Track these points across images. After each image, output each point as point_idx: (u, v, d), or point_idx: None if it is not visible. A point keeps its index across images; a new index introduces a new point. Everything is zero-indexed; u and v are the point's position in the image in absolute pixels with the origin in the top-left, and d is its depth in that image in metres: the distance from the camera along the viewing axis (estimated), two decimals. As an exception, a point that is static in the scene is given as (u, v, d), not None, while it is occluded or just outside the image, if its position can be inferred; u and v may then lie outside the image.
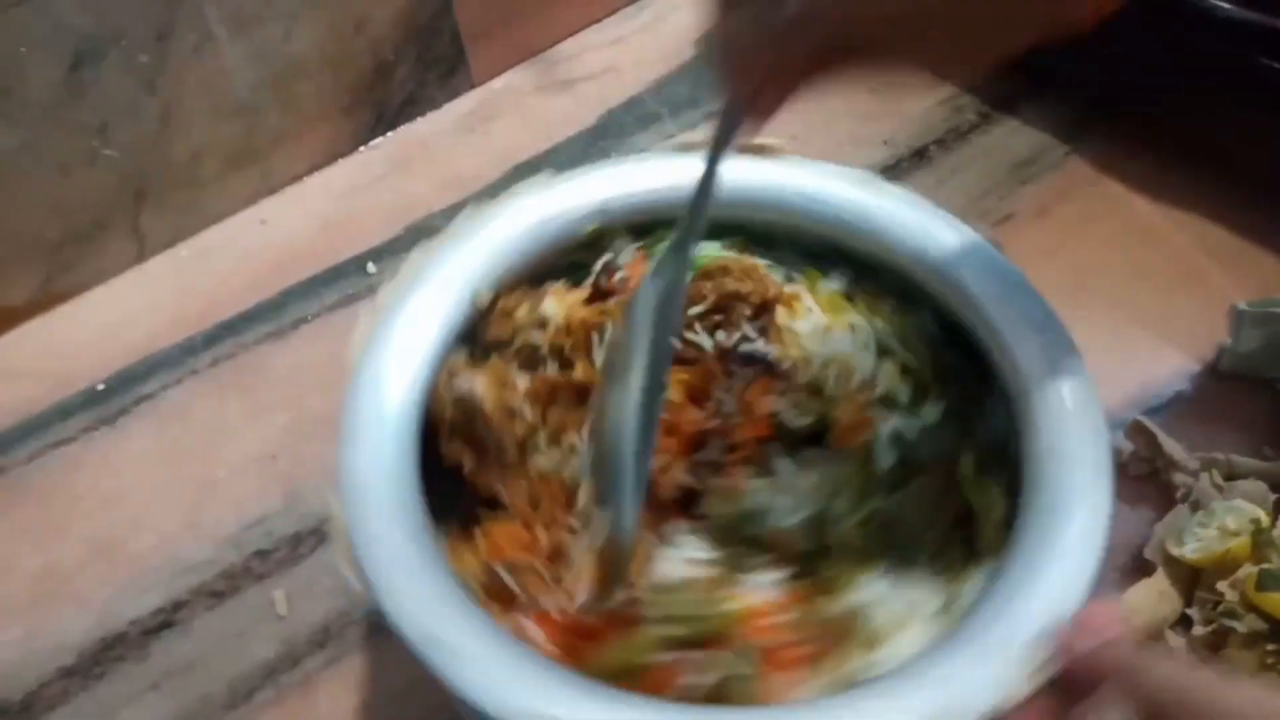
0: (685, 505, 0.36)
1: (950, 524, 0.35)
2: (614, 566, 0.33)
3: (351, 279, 0.57)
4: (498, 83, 0.68)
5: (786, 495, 0.35)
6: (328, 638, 0.44)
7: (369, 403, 0.36)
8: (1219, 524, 0.41)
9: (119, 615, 0.45)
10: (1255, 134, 0.52)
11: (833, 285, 0.41)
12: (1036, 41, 0.27)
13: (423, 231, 0.59)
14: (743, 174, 0.41)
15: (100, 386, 0.53)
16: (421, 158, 0.64)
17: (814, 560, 0.35)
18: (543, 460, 0.36)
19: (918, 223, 0.40)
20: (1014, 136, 0.60)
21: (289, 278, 0.57)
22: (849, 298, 0.40)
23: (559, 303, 0.40)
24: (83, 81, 0.52)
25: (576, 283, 0.41)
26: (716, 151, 0.32)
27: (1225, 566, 0.40)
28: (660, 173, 0.42)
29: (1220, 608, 0.39)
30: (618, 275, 0.41)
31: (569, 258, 0.42)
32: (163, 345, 0.55)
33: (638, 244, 0.42)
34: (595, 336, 0.39)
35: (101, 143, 0.54)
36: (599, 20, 0.71)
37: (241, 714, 0.42)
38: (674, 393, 0.37)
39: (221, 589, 0.45)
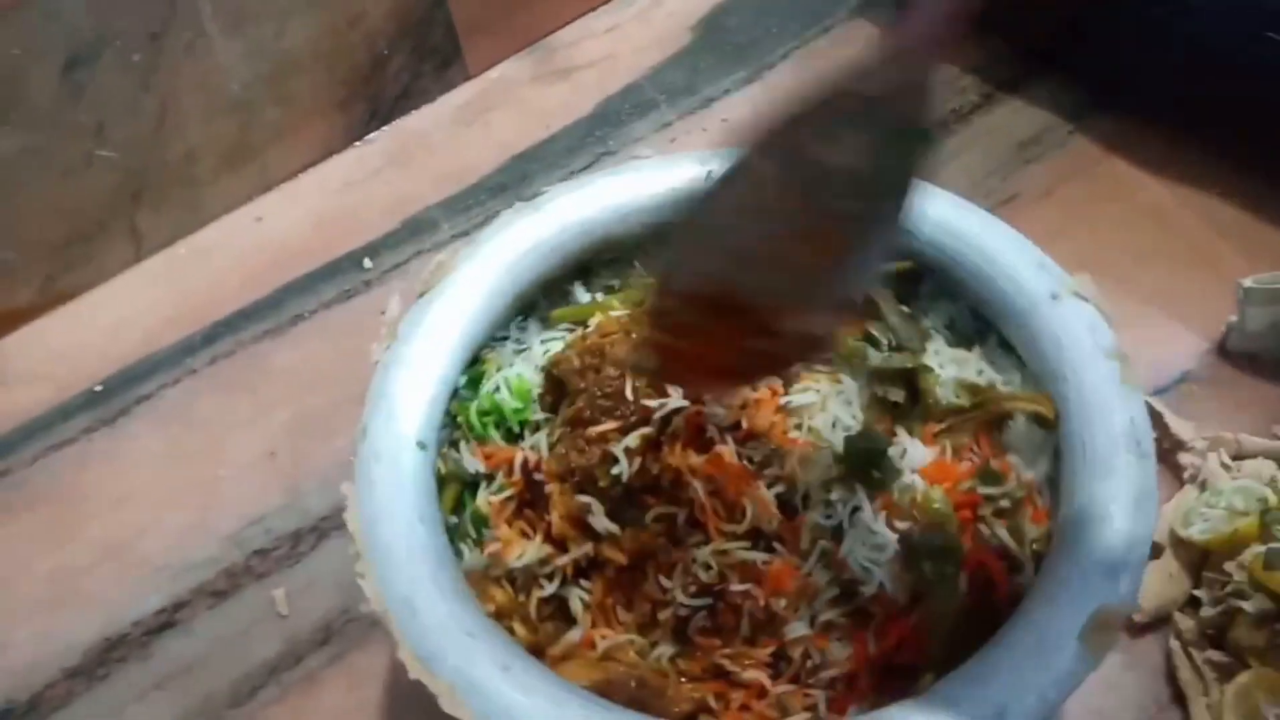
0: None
1: None
2: None
3: (349, 275, 0.57)
4: (494, 73, 0.67)
5: None
6: (329, 635, 0.44)
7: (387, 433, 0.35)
8: (1227, 504, 0.40)
9: (122, 616, 0.45)
10: (1263, 111, 0.51)
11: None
12: None
13: (421, 225, 0.59)
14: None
15: (99, 387, 0.53)
16: (418, 151, 0.63)
17: None
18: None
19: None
20: (1017, 116, 0.59)
21: (286, 275, 0.57)
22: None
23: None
24: (78, 83, 0.52)
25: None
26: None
27: (1233, 547, 0.39)
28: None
29: (1228, 588, 0.38)
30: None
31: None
32: (161, 345, 0.55)
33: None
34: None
35: (98, 143, 0.54)
36: (595, 8, 0.70)
37: (245, 712, 0.42)
38: None
39: (223, 588, 0.45)
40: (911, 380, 0.37)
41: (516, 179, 0.61)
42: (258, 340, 0.55)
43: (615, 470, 0.34)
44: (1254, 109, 0.52)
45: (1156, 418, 0.45)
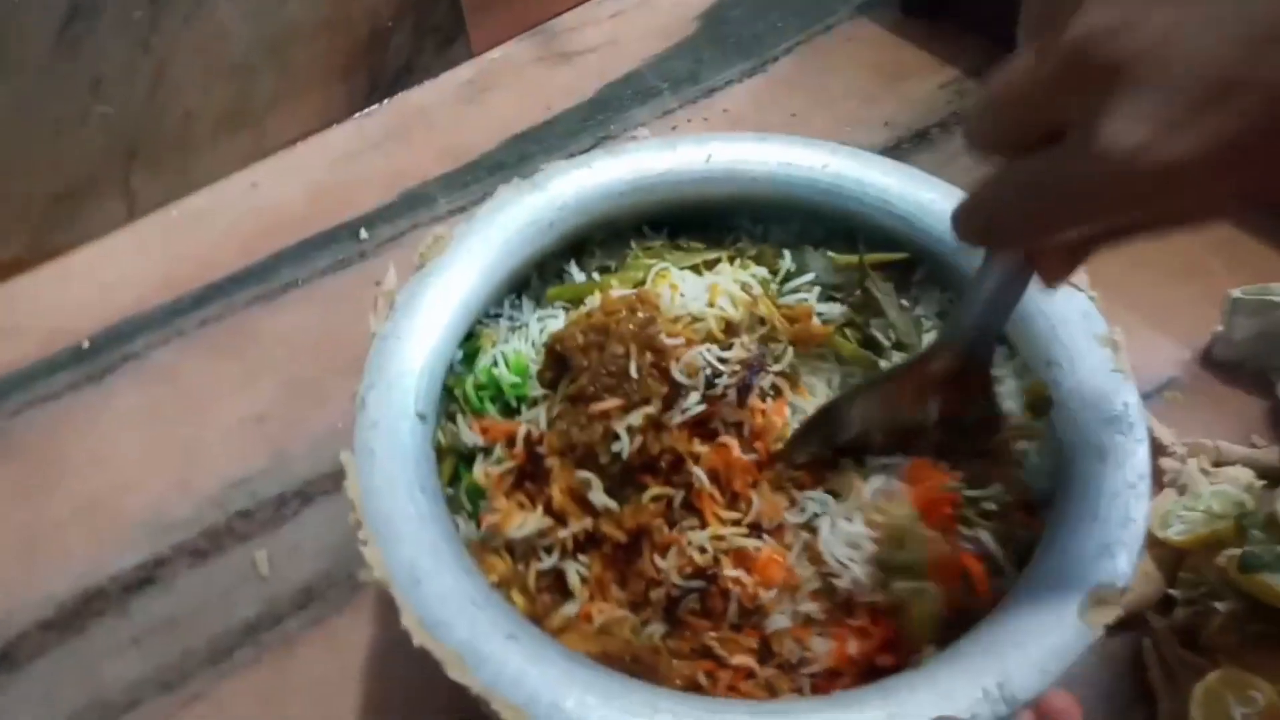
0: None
1: None
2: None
3: (344, 244, 0.57)
4: (496, 53, 0.67)
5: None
6: (310, 598, 0.44)
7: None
8: (1205, 508, 0.41)
9: (100, 571, 0.45)
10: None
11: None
12: None
13: (417, 199, 0.59)
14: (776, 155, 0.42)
15: (85, 344, 0.53)
16: (417, 126, 0.63)
17: None
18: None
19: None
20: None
21: (280, 242, 0.57)
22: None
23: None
24: (76, 38, 0.51)
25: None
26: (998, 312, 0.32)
27: (1210, 549, 0.40)
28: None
29: (1203, 589, 0.39)
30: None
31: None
32: (151, 306, 0.54)
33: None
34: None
35: (94, 100, 0.53)
36: (600, -6, 0.70)
37: (222, 671, 0.42)
38: None
39: (204, 548, 0.45)
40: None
41: (515, 159, 0.61)
42: (249, 305, 0.54)
43: (616, 447, 0.34)
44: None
45: (1139, 422, 0.45)
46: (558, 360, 0.37)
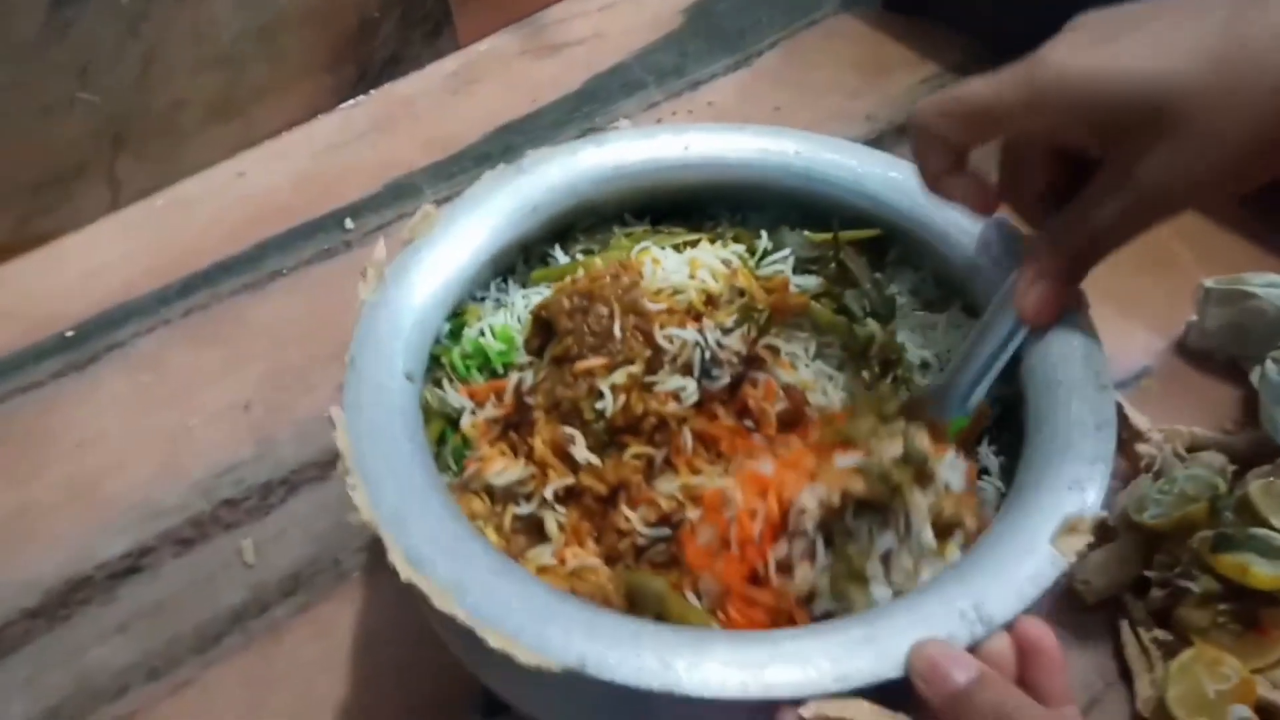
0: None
1: None
2: None
3: (329, 234, 0.57)
4: (483, 44, 0.67)
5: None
6: (296, 585, 0.44)
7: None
8: (1179, 491, 0.42)
9: (86, 558, 0.44)
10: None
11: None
12: None
13: (404, 190, 0.59)
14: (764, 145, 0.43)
15: (70, 332, 0.52)
16: (404, 116, 0.63)
17: None
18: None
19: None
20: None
21: (266, 230, 0.57)
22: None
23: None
24: (65, 21, 0.51)
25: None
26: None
27: (1183, 531, 0.40)
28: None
29: (1177, 570, 0.40)
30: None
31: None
32: (136, 294, 0.54)
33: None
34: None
35: (81, 85, 0.53)
36: (587, -13, 0.71)
37: (209, 658, 0.42)
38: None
39: (190, 536, 0.45)
40: (886, 357, 0.39)
41: (501, 150, 0.61)
42: (235, 294, 0.54)
43: (600, 405, 0.34)
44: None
45: (1117, 410, 0.46)
46: (544, 327, 0.37)
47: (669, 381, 0.35)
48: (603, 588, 0.32)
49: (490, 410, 0.36)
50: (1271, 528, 0.39)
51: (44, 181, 0.55)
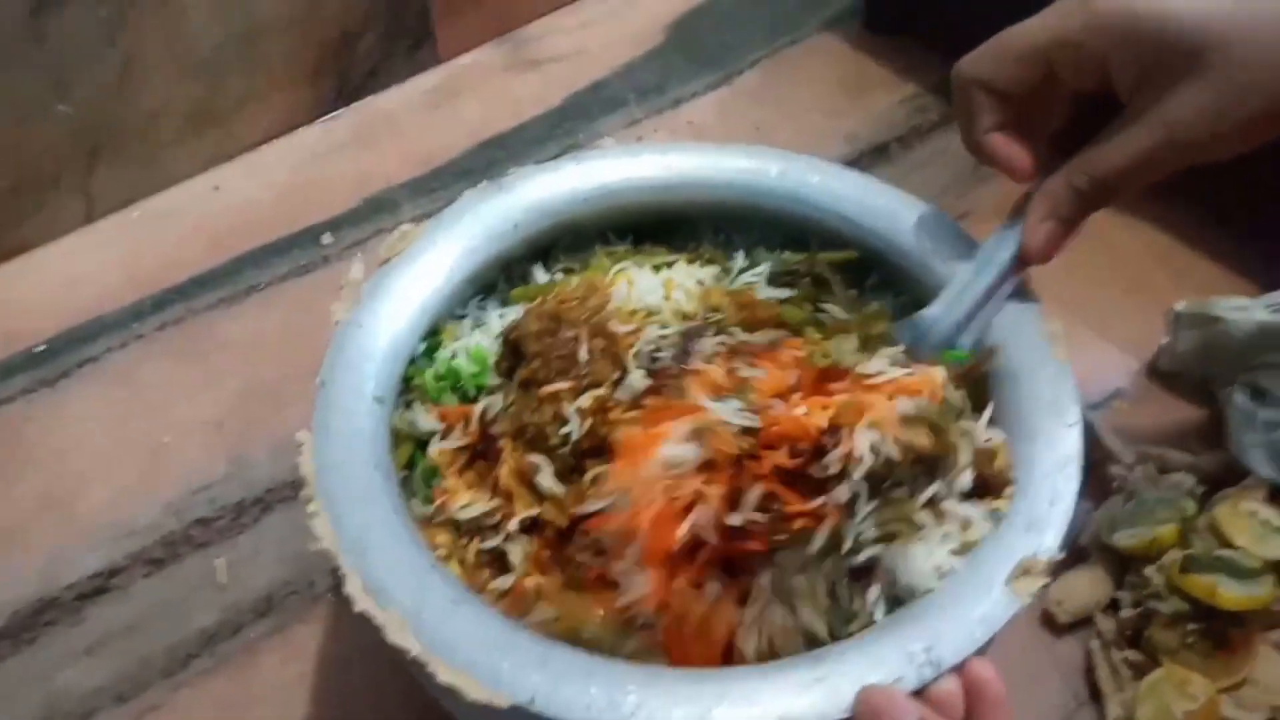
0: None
1: None
2: None
3: (307, 249, 0.57)
4: (465, 59, 0.67)
5: None
6: (270, 607, 0.43)
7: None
8: (1150, 513, 0.42)
9: (54, 580, 0.44)
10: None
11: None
12: None
13: (383, 204, 0.59)
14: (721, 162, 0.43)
15: (41, 347, 0.52)
16: (384, 130, 0.63)
17: None
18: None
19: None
20: (972, 137, 0.62)
21: (243, 245, 0.56)
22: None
23: None
24: (42, 28, 0.50)
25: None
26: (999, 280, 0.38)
27: (1154, 552, 0.41)
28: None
29: (1147, 591, 0.40)
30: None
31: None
32: (110, 308, 0.53)
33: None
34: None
35: (57, 95, 0.53)
36: (569, 3, 0.71)
37: (180, 680, 0.41)
38: None
39: (161, 556, 0.45)
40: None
41: (482, 165, 0.61)
42: (210, 309, 0.54)
43: (565, 430, 0.34)
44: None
45: (1089, 431, 0.47)
46: (513, 350, 0.37)
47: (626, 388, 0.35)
48: (566, 618, 0.32)
49: (457, 438, 0.36)
50: (1239, 549, 0.40)
51: (15, 193, 0.54)
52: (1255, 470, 0.43)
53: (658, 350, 0.36)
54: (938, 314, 0.38)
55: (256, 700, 0.41)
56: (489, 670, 0.28)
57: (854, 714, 0.28)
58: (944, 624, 0.29)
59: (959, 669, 0.29)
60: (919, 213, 0.41)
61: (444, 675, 0.28)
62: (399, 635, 0.29)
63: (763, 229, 0.43)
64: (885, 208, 0.41)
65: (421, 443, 0.37)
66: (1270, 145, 0.32)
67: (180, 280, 0.55)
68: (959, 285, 0.38)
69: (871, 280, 0.43)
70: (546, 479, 0.34)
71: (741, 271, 0.42)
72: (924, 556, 0.31)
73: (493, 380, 0.38)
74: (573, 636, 0.31)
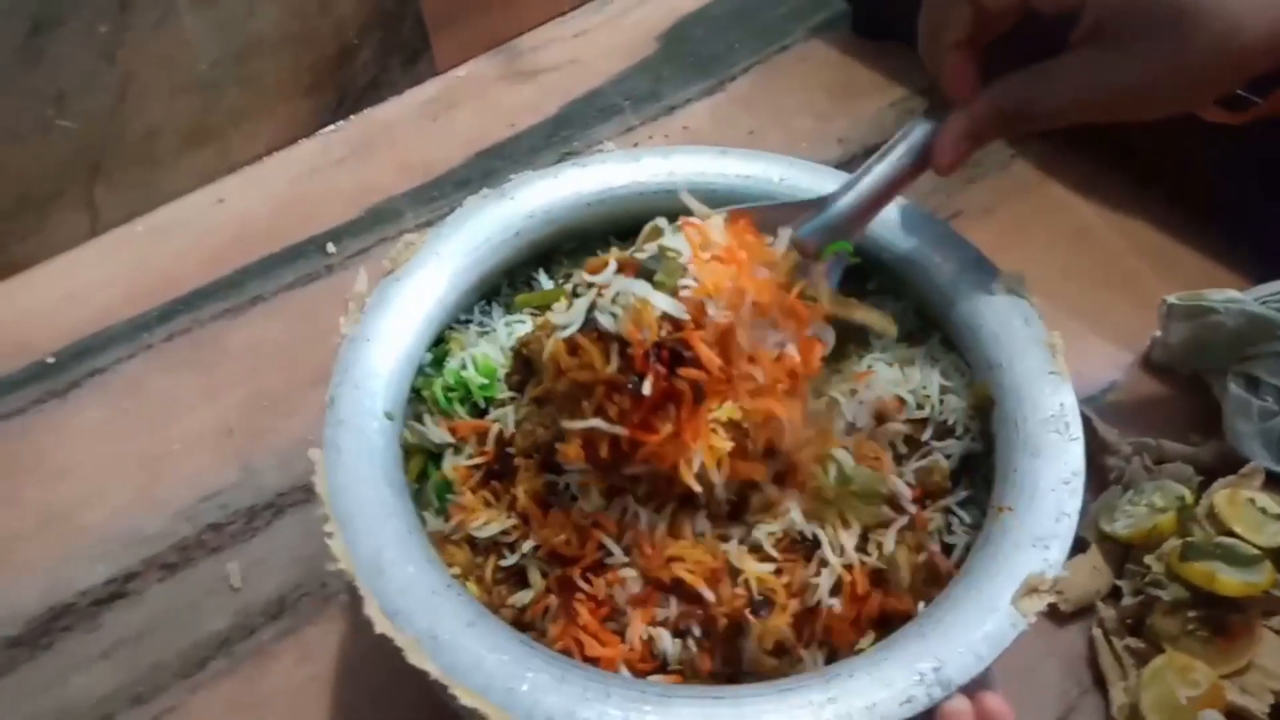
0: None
1: None
2: None
3: (310, 259, 0.57)
4: (461, 70, 0.68)
5: None
6: (282, 609, 0.44)
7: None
8: (1148, 502, 0.43)
9: (68, 585, 0.44)
10: (1179, 142, 0.55)
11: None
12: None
13: (384, 214, 0.60)
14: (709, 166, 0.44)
15: (50, 359, 0.52)
16: (383, 142, 0.64)
17: None
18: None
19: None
20: (962, 138, 0.63)
21: (247, 256, 0.57)
22: None
23: None
24: (40, 48, 0.51)
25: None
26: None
27: (1152, 541, 0.42)
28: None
29: (1147, 579, 0.41)
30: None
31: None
32: (116, 320, 0.54)
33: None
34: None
35: (57, 112, 0.53)
36: (563, 13, 0.72)
37: (194, 683, 0.41)
38: None
39: (174, 561, 0.45)
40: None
41: (481, 174, 0.62)
42: (215, 319, 0.54)
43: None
44: (1171, 141, 0.55)
45: (1085, 423, 0.47)
46: (524, 364, 0.38)
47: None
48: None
49: (472, 455, 0.36)
50: (1237, 536, 0.41)
51: (19, 209, 0.55)
52: (1252, 458, 0.44)
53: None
54: (840, 208, 0.37)
55: (269, 702, 0.41)
56: (505, 693, 0.28)
57: None
58: (951, 643, 0.30)
59: (970, 691, 0.29)
60: (913, 217, 0.42)
61: (464, 699, 0.28)
62: (418, 658, 0.29)
63: None
64: (886, 213, 0.42)
65: (433, 455, 0.38)
66: (1262, 145, 0.32)
67: (185, 291, 0.55)
68: (864, 179, 0.37)
69: (872, 285, 0.43)
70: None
71: None
72: None
73: (503, 392, 0.38)
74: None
